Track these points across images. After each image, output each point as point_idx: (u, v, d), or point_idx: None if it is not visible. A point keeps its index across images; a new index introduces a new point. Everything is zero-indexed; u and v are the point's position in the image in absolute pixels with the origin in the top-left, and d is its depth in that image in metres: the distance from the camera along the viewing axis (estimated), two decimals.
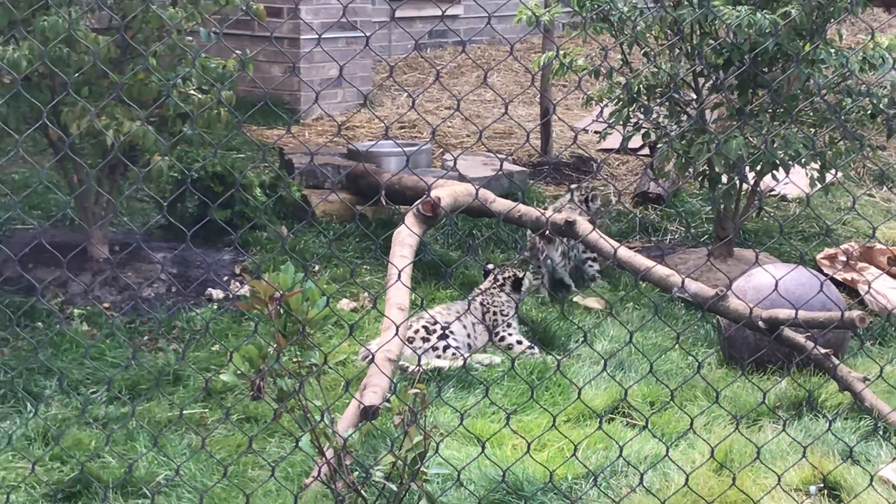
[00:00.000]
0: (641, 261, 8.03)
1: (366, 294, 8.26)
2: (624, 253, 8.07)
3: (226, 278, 8.69)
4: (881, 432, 6.99)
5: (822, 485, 6.07)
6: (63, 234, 8.64)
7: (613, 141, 9.68)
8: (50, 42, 7.81)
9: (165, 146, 8.35)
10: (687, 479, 5.97)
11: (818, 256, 9.00)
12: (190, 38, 8.65)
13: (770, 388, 7.34)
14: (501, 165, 9.57)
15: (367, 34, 11.40)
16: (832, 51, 8.60)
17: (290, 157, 10.00)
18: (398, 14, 12.33)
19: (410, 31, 12.28)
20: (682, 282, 7.70)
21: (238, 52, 8.71)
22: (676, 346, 7.94)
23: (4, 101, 7.87)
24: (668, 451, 6.27)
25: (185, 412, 7.25)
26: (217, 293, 8.48)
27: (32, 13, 7.91)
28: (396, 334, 6.96)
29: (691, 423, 6.48)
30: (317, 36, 11.02)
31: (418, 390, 5.78)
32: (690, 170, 8.80)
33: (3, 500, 6.26)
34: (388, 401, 6.27)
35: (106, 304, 8.30)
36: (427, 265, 8.50)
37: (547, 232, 8.49)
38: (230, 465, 6.63)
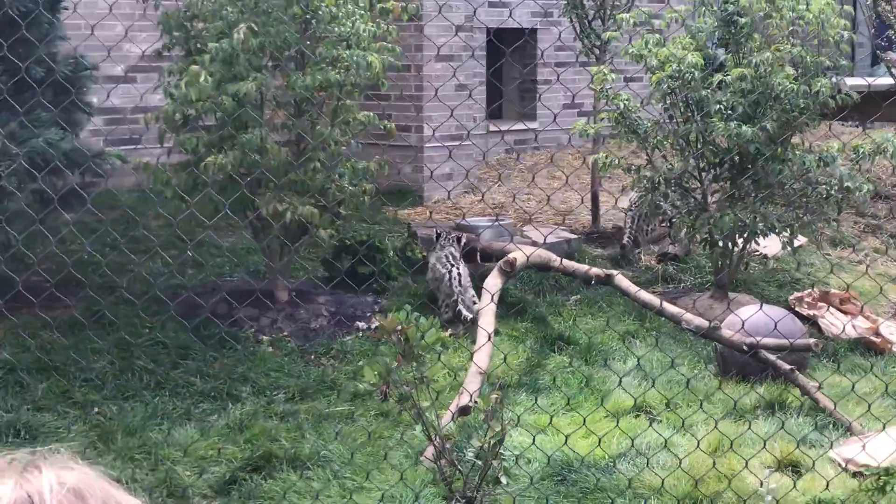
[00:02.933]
0: (659, 303, 8.22)
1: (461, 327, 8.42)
2: (645, 296, 8.21)
3: (368, 314, 8.70)
4: (833, 424, 7.13)
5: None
6: (257, 283, 8.77)
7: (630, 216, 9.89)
8: (247, 152, 8.08)
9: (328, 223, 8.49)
10: (681, 462, 6.20)
11: (789, 298, 9.10)
12: (344, 147, 8.68)
13: (745, 393, 7.35)
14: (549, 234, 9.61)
15: (472, 143, 11.59)
16: (797, 152, 8.75)
17: (416, 228, 9.97)
18: (492, 128, 12.49)
19: (501, 140, 12.43)
20: (683, 317, 7.93)
21: (378, 157, 8.87)
22: (683, 362, 7.84)
23: (217, 192, 8.13)
24: (666, 442, 6.43)
25: (337, 409, 7.32)
26: (362, 325, 8.56)
27: (235, 132, 8.08)
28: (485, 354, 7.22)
29: (683, 422, 6.70)
30: (436, 144, 11.17)
31: (497, 395, 6.03)
32: (697, 237, 8.94)
33: (214, 470, 6.53)
34: (476, 402, 6.52)
35: (285, 333, 8.39)
36: (508, 305, 8.53)
37: (593, 282, 8.65)
38: (367, 447, 6.78)
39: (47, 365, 7.58)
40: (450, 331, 8.09)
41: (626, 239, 9.79)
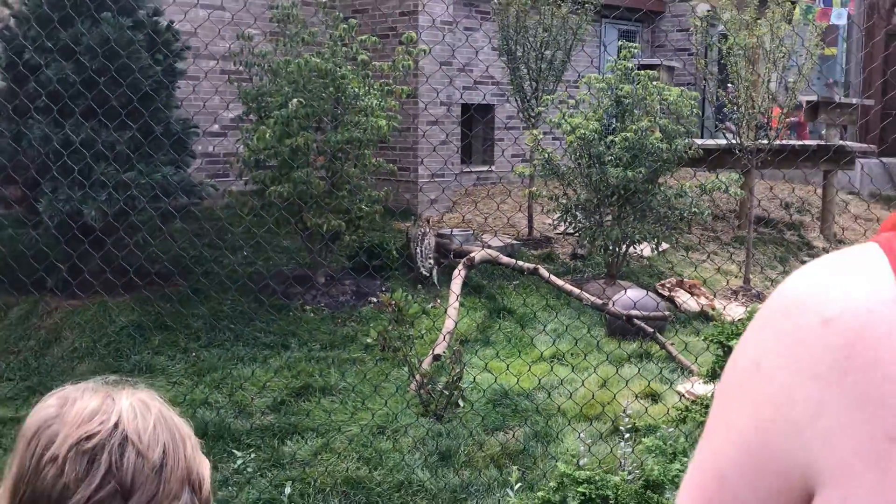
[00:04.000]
0: (570, 287, 8.31)
1: (438, 301, 8.32)
2: (560, 282, 8.30)
3: (377, 292, 8.64)
4: (681, 369, 7.20)
5: None
6: (303, 270, 8.80)
7: (560, 228, 9.92)
8: (298, 184, 8.09)
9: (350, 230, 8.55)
10: (572, 395, 6.26)
11: (656, 284, 9.17)
12: (363, 181, 8.63)
13: (620, 347, 7.37)
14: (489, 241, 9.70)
15: (452, 181, 11.66)
16: (662, 188, 8.82)
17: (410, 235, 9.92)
18: (465, 169, 12.57)
19: (469, 177, 12.50)
20: (580, 295, 8.00)
21: (385, 188, 8.89)
22: (583, 326, 7.88)
23: (278, 210, 8.18)
24: (562, 381, 6.51)
25: (354, 355, 7.31)
26: (373, 300, 8.52)
27: (290, 170, 8.11)
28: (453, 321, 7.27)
29: (572, 368, 6.73)
30: (426, 179, 11.22)
31: (458, 347, 6.09)
32: (595, 243, 8.99)
33: (270, 395, 6.54)
34: (445, 352, 6.57)
35: (321, 304, 8.37)
36: (470, 286, 8.52)
37: (525, 272, 8.73)
38: (373, 381, 6.93)
39: (163, 323, 7.61)
40: (431, 304, 8.16)
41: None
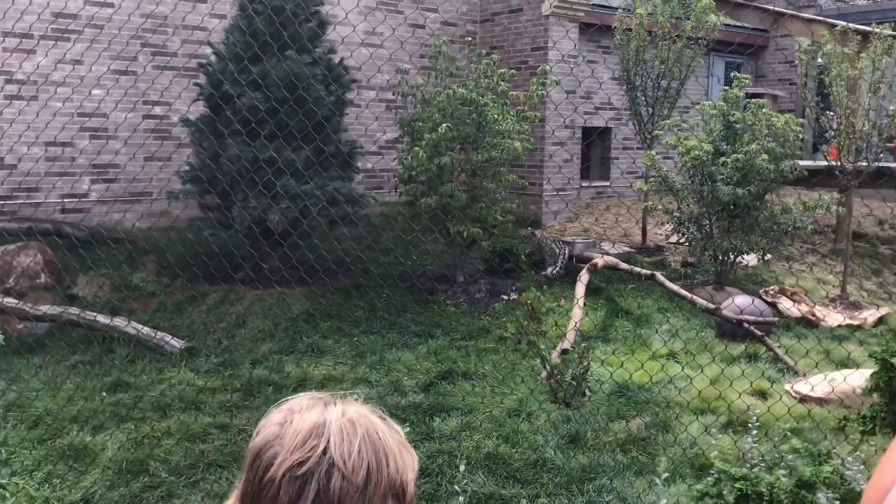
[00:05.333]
0: (684, 292, 8.06)
1: (563, 300, 8.13)
2: (674, 287, 8.01)
3: (509, 291, 8.60)
4: (786, 369, 6.90)
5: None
6: (445, 271, 8.86)
7: (672, 238, 9.69)
8: (444, 197, 8.15)
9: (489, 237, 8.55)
10: (691, 381, 6.08)
11: (760, 291, 8.82)
12: (498, 195, 8.59)
13: (730, 348, 7.09)
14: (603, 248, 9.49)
15: (571, 194, 11.54)
16: (768, 205, 8.49)
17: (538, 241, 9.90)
18: (584, 184, 12.41)
19: (589, 191, 12.34)
20: (693, 299, 7.76)
21: (517, 200, 8.87)
22: (695, 327, 7.64)
23: (426, 219, 8.26)
24: (676, 375, 6.32)
25: (489, 346, 7.24)
26: (505, 297, 8.46)
27: (437, 185, 8.18)
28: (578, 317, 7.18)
29: (683, 367, 6.51)
30: (551, 193, 11.14)
31: (585, 343, 6.00)
32: (706, 253, 8.73)
33: (419, 377, 6.54)
34: (572, 347, 6.49)
35: (461, 300, 8.35)
36: (591, 289, 8.31)
37: (642, 278, 8.52)
38: (506, 369, 6.87)
39: (329, 312, 7.79)
40: (556, 304, 8.07)
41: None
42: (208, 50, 8.62)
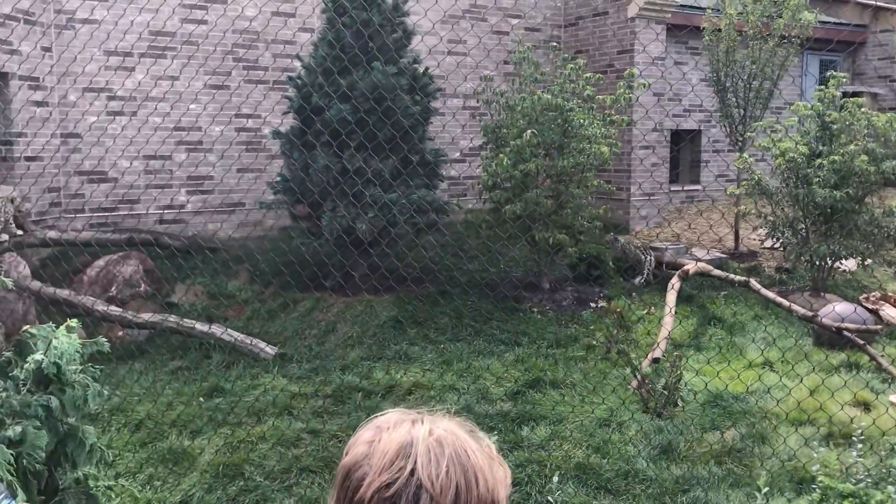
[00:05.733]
0: (780, 299, 7.78)
1: (653, 308, 8.01)
2: (769, 294, 7.73)
3: (596, 298, 8.49)
4: (891, 380, 6.58)
5: None
6: (530, 278, 8.81)
7: (767, 244, 9.38)
8: (529, 203, 8.10)
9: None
10: (790, 391, 5.86)
11: (860, 297, 8.44)
12: (584, 200, 8.51)
13: (830, 357, 6.86)
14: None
15: (660, 197, 11.31)
16: (868, 207, 8.13)
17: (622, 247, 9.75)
18: (673, 188, 12.15)
19: (678, 195, 12.07)
20: (790, 307, 7.48)
21: (603, 206, 8.75)
22: (792, 335, 7.35)
23: (511, 225, 8.21)
24: (764, 386, 6.09)
25: (577, 354, 7.10)
26: (593, 305, 8.36)
27: (522, 192, 8.16)
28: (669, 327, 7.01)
29: (780, 377, 6.26)
30: (639, 197, 10.95)
31: (677, 352, 5.85)
32: (801, 258, 8.43)
33: (506, 385, 6.52)
34: (664, 355, 6.34)
35: (547, 307, 8.26)
36: (682, 296, 8.08)
37: (735, 284, 8.26)
38: (595, 377, 6.82)
39: (416, 319, 7.83)
40: (646, 311, 7.91)
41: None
42: (297, 63, 8.82)
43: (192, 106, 9.41)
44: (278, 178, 8.53)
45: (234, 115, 9.67)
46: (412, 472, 1.09)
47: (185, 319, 7.37)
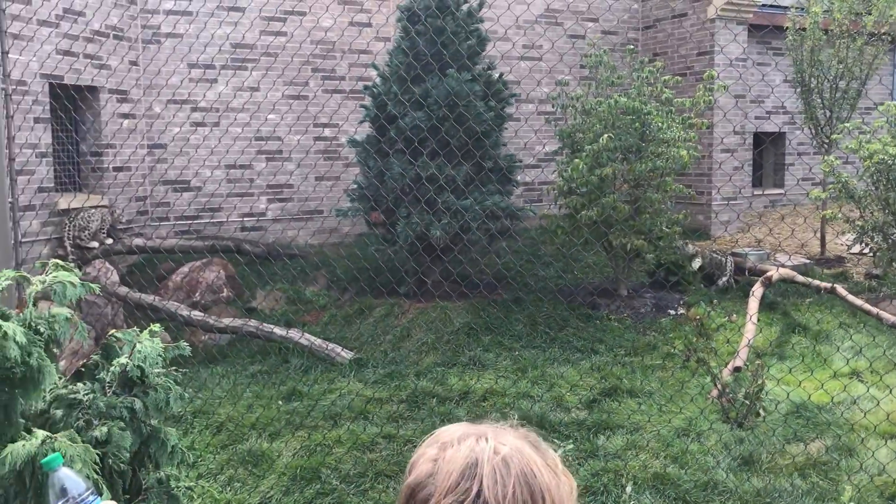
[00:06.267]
0: (868, 307, 7.50)
1: (735, 315, 7.77)
2: (857, 300, 7.47)
3: (676, 305, 8.34)
4: None
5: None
6: (606, 284, 8.71)
7: (854, 249, 9.04)
8: (605, 208, 8.01)
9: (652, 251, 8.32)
10: (878, 403, 5.62)
11: None
12: (663, 205, 8.36)
13: None
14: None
15: (742, 201, 11.00)
16: None
17: (707, 253, 9.55)
18: (755, 192, 11.82)
19: (761, 200, 11.74)
20: (878, 314, 7.18)
21: (683, 210, 8.58)
22: (882, 344, 6.94)
23: (587, 231, 8.13)
24: (851, 397, 5.84)
25: (656, 362, 6.98)
26: (672, 312, 8.22)
27: (599, 196, 8.06)
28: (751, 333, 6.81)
29: (868, 388, 6.01)
30: (720, 202, 10.71)
31: (760, 361, 5.69)
32: (893, 263, 8.08)
33: (582, 393, 6.49)
34: (746, 365, 6.18)
35: (625, 314, 8.13)
36: (765, 303, 7.87)
37: (822, 291, 7.98)
38: (674, 386, 6.70)
39: (490, 325, 7.82)
40: (727, 319, 7.72)
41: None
42: (373, 72, 8.94)
43: (270, 116, 9.64)
44: (354, 186, 8.65)
45: (311, 125, 9.86)
46: (478, 493, 1.07)
47: (265, 324, 7.54)
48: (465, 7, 8.40)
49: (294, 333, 7.35)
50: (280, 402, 6.28)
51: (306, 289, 8.79)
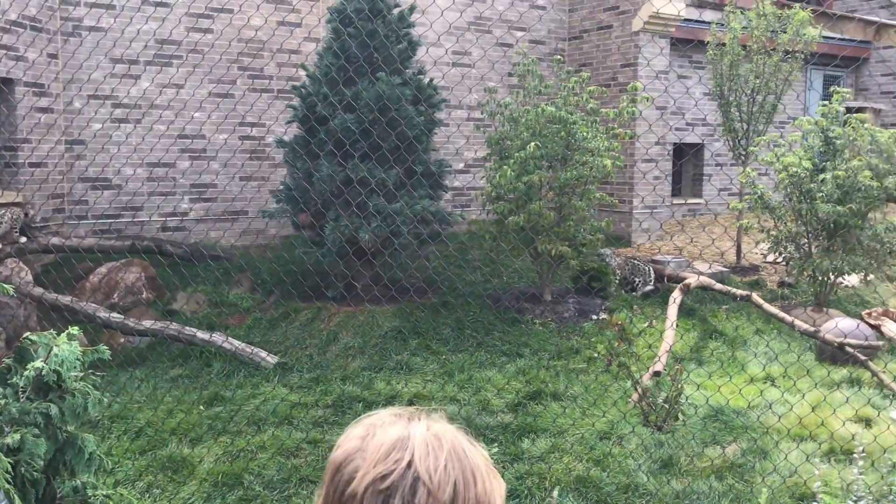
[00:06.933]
0: (783, 314, 7.77)
1: (654, 321, 7.89)
2: (771, 308, 7.72)
3: (598, 310, 8.42)
4: (891, 396, 6.54)
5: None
6: (532, 289, 8.79)
7: (769, 258, 9.36)
8: (531, 215, 8.10)
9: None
10: (785, 412, 5.80)
11: (862, 313, 8.41)
12: (587, 212, 8.52)
13: (834, 372, 6.81)
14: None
15: (663, 213, 11.27)
16: (870, 223, 8.12)
17: (626, 259, 9.73)
18: (675, 201, 12.13)
19: (680, 209, 12.05)
20: (792, 322, 7.47)
21: (606, 218, 8.75)
22: (793, 350, 7.32)
23: (514, 237, 8.19)
24: (766, 402, 6.03)
25: (578, 366, 7.06)
26: (594, 317, 8.29)
27: (525, 203, 8.15)
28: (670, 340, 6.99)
29: (782, 393, 6.24)
30: (641, 210, 10.94)
31: (679, 366, 5.84)
32: (804, 273, 8.40)
33: (507, 396, 6.45)
34: (665, 369, 6.32)
35: (549, 319, 8.17)
36: (683, 310, 8.07)
37: (738, 299, 8.25)
38: (594, 389, 6.81)
39: (418, 330, 7.80)
40: (647, 324, 7.89)
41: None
42: (302, 73, 8.84)
43: (196, 114, 9.43)
44: (281, 187, 8.53)
45: (238, 124, 9.68)
46: (409, 464, 1.04)
47: (187, 328, 7.35)
48: (396, 11, 8.38)
49: (217, 337, 7.19)
50: (202, 407, 6.13)
51: (230, 291, 8.62)
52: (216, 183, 9.74)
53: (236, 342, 7.18)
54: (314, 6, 9.98)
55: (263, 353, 7.12)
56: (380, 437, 1.08)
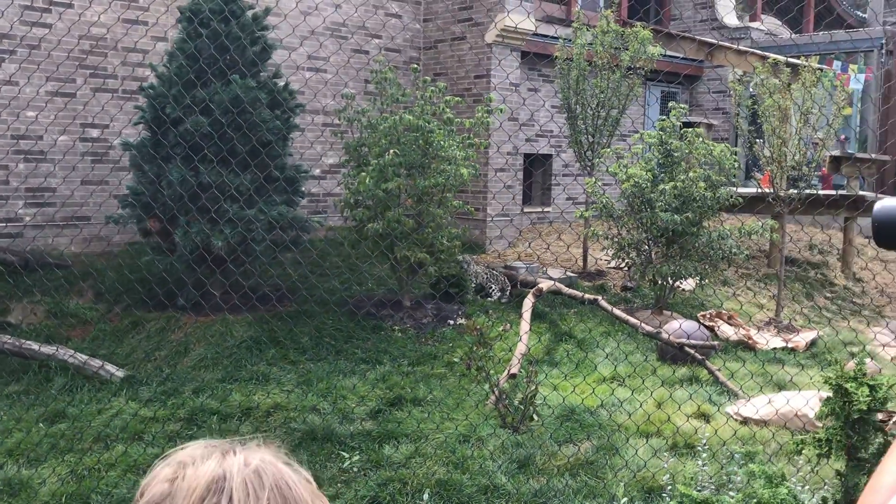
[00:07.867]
0: (627, 317, 8.18)
1: (510, 325, 8.20)
2: (616, 312, 8.16)
3: (455, 316, 8.58)
4: (727, 392, 7.04)
5: None
6: (391, 295, 8.82)
7: (613, 263, 9.84)
8: (390, 222, 8.14)
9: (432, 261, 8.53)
10: (635, 410, 6.13)
11: (699, 315, 9.01)
12: (444, 220, 8.64)
13: (674, 372, 7.22)
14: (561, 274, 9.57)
15: (514, 218, 11.62)
16: (705, 231, 8.71)
17: (484, 266, 9.94)
18: (526, 210, 12.53)
19: (530, 216, 12.46)
20: (638, 324, 7.90)
21: (462, 226, 8.91)
22: (638, 351, 7.75)
23: (372, 244, 8.19)
24: (619, 400, 6.36)
25: (437, 371, 7.21)
26: (452, 322, 8.44)
27: (384, 210, 8.17)
28: (525, 344, 7.19)
29: (632, 391, 6.56)
30: (495, 218, 11.21)
31: (532, 369, 6.03)
32: (645, 277, 8.89)
33: (368, 404, 6.48)
34: (520, 371, 6.51)
35: (408, 325, 8.27)
36: (536, 314, 8.35)
37: (585, 302, 8.61)
38: (455, 394, 6.90)
39: (276, 338, 7.67)
40: (502, 328, 8.11)
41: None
42: (148, 72, 8.48)
43: (29, 112, 8.84)
44: (126, 191, 8.14)
45: (76, 123, 9.15)
46: None
47: (24, 340, 6.88)
48: (250, 13, 8.21)
49: (61, 350, 6.77)
50: (42, 426, 5.76)
51: (70, 301, 8.14)
52: (52, 185, 9.16)
53: (81, 356, 6.78)
54: (160, 3, 9.59)
55: (110, 367, 6.78)
56: (191, 478, 0.97)
